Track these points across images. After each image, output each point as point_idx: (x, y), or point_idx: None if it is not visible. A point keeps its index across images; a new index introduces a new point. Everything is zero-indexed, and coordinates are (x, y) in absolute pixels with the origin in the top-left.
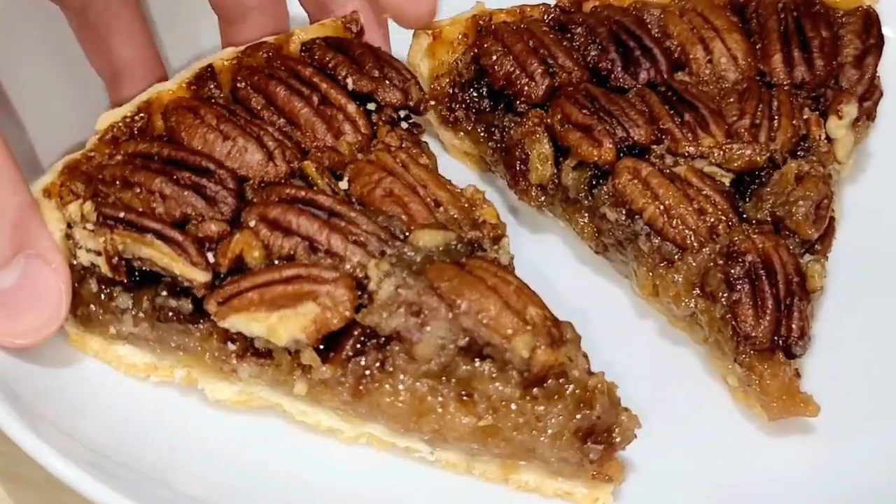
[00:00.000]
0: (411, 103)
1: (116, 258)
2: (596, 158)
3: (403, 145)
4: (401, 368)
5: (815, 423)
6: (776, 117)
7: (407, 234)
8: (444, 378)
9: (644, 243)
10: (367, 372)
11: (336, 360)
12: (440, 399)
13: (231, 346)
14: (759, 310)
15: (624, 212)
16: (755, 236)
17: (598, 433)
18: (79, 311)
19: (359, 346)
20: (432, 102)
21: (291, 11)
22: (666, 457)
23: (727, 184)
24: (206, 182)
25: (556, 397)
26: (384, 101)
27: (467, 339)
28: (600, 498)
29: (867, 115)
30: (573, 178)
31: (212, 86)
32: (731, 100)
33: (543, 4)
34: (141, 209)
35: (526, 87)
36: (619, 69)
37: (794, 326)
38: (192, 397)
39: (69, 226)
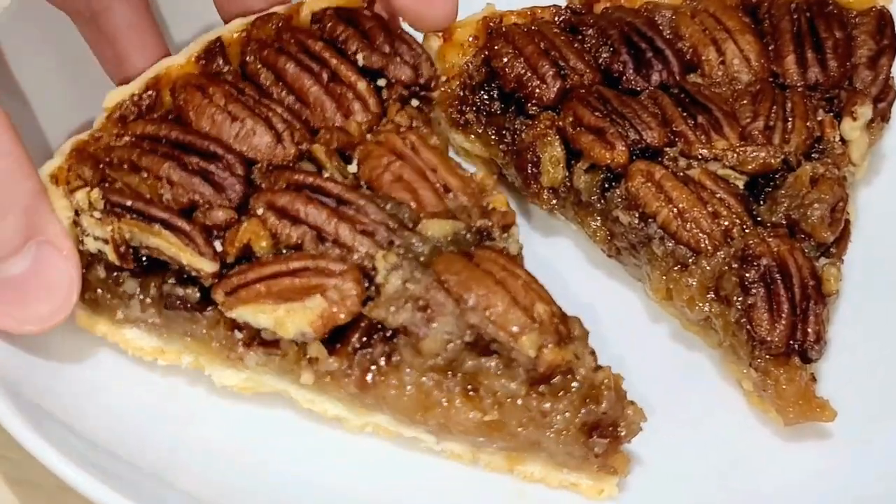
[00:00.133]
0: (422, 80)
1: (124, 246)
2: (608, 161)
3: (413, 124)
4: (407, 362)
5: (831, 428)
6: (790, 119)
7: (416, 222)
8: (449, 373)
9: (658, 247)
10: (374, 365)
11: (342, 351)
12: (446, 393)
13: (238, 335)
14: (775, 314)
15: (637, 215)
16: (770, 240)
17: (604, 427)
18: (86, 296)
19: (365, 338)
20: (443, 78)
21: None
22: (679, 459)
23: (741, 186)
24: (214, 168)
25: (561, 394)
26: (394, 78)
27: (474, 334)
28: (605, 490)
29: (882, 117)
30: (585, 180)
31: (220, 61)
32: (745, 102)
33: (554, 6)
34: (148, 195)
35: (537, 90)
36: (631, 71)
37: (809, 330)
38: (197, 389)
39: (77, 213)
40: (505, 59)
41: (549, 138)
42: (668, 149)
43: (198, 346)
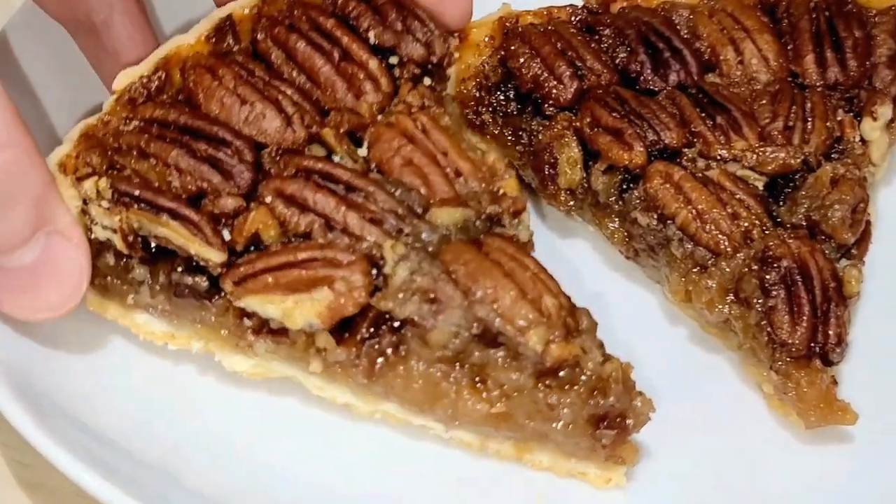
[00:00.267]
0: (434, 59)
1: (132, 236)
2: (626, 162)
3: (425, 104)
4: (415, 353)
5: (852, 432)
6: (810, 119)
7: (425, 208)
8: (457, 364)
9: (676, 248)
10: (381, 355)
11: (351, 341)
12: (453, 385)
13: (247, 322)
14: (796, 316)
15: (656, 216)
16: (790, 241)
17: (611, 419)
18: (96, 282)
19: (373, 328)
20: (456, 55)
21: None
22: (693, 457)
23: (760, 187)
24: (223, 155)
25: (568, 387)
26: (406, 57)
27: (482, 327)
28: (613, 479)
29: None
30: (603, 182)
31: (231, 39)
32: (763, 102)
33: (570, 6)
34: (157, 183)
35: (554, 90)
36: (649, 71)
37: (831, 333)
38: (207, 383)
39: (85, 202)
40: (521, 60)
41: (567, 139)
42: (686, 149)
43: (207, 332)
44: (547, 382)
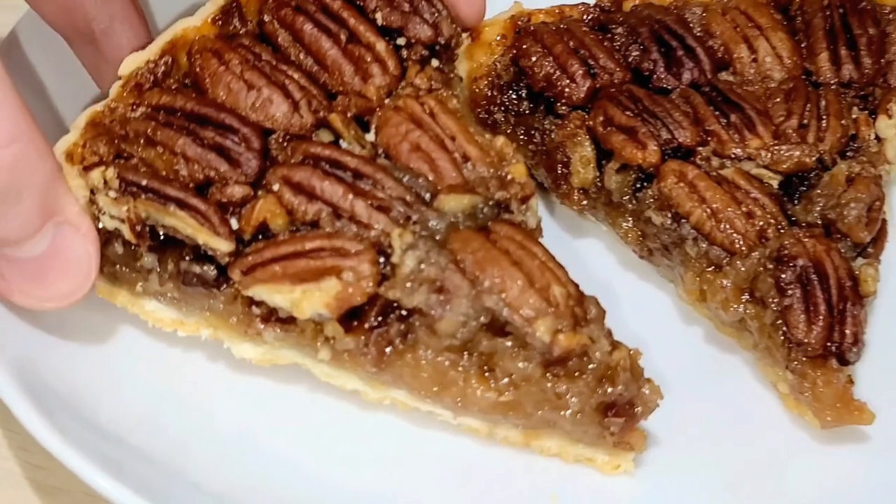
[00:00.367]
0: (442, 40)
1: (140, 225)
2: (640, 161)
3: (433, 87)
4: (423, 342)
5: (869, 431)
6: (824, 117)
7: (433, 194)
8: (465, 353)
9: (691, 248)
10: (390, 344)
11: (359, 330)
12: (462, 373)
13: (256, 311)
14: (812, 315)
15: (670, 215)
16: (806, 240)
17: (620, 406)
18: (105, 270)
19: (381, 317)
20: (464, 36)
21: None
22: (713, 461)
23: (775, 186)
24: (230, 143)
25: (577, 375)
26: (414, 38)
27: (490, 316)
28: (622, 465)
29: None
30: (616, 181)
31: (237, 21)
32: (778, 100)
33: (583, 4)
34: (164, 171)
35: (567, 89)
36: (662, 69)
37: (847, 332)
38: (213, 380)
39: (92, 192)
40: (534, 59)
41: (580, 138)
42: (700, 148)
43: (216, 320)
44: (555, 371)
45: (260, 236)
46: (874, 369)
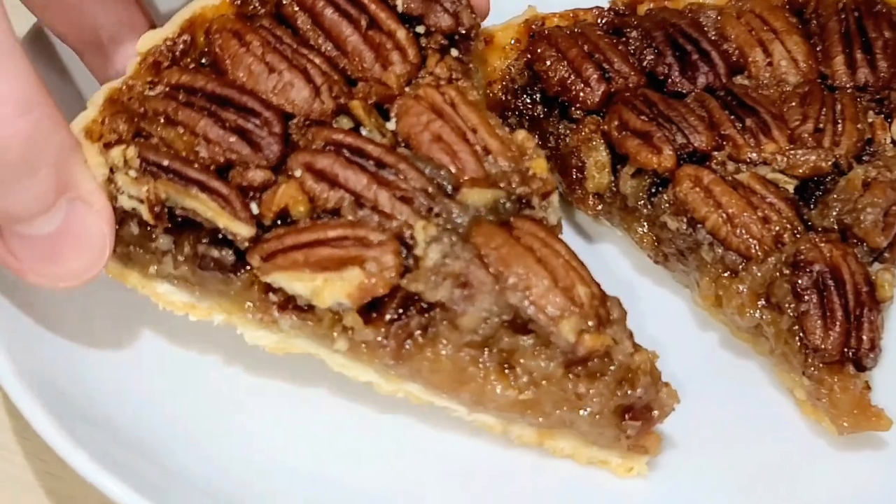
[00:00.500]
0: (462, 29)
1: (159, 206)
2: (655, 166)
3: (453, 77)
4: (443, 336)
5: (886, 437)
6: (840, 121)
7: (455, 187)
8: (485, 349)
9: (707, 253)
10: (409, 337)
11: (378, 322)
12: (481, 369)
13: (273, 297)
14: (828, 321)
15: (685, 220)
16: (822, 245)
17: (637, 409)
18: (118, 250)
19: (402, 309)
20: (487, 24)
21: None
22: (728, 468)
23: (791, 191)
24: (252, 126)
25: (598, 376)
26: (434, 27)
27: (512, 313)
28: (635, 468)
29: None
30: (632, 185)
31: (257, 2)
32: (793, 104)
33: (597, 8)
34: (184, 152)
35: (581, 93)
36: (677, 73)
37: (864, 338)
38: (230, 387)
39: (111, 170)
40: (548, 63)
41: (594, 143)
42: (715, 153)
43: (230, 305)
44: (576, 371)
45: (279, 222)
46: (891, 375)
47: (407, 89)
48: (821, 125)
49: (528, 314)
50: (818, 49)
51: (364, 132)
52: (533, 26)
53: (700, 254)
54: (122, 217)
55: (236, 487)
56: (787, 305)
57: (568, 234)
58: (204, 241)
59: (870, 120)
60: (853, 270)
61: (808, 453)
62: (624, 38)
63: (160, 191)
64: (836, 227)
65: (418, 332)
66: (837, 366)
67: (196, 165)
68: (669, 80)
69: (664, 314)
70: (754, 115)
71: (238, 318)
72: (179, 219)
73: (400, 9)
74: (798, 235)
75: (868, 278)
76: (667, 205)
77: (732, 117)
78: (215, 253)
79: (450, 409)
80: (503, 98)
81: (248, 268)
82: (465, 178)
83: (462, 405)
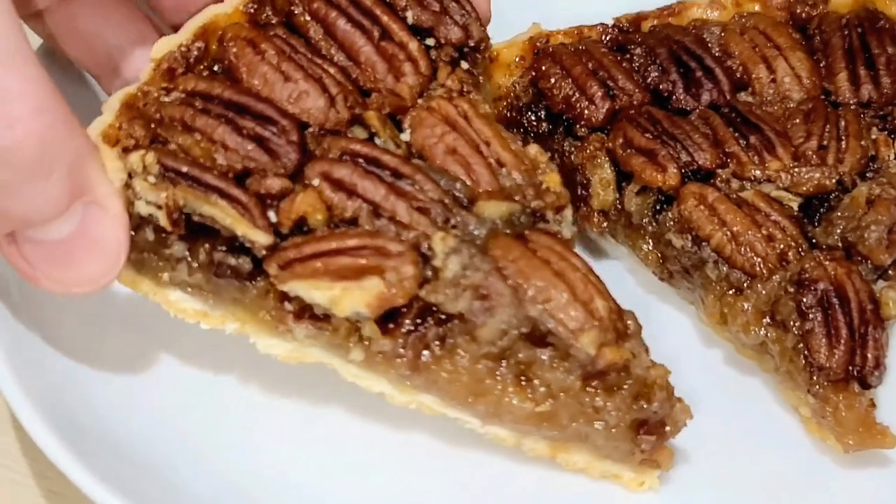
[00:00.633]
0: (472, 42)
1: (177, 213)
2: (660, 184)
3: (464, 89)
4: (461, 347)
5: (891, 455)
6: (843, 138)
7: (471, 199)
8: (503, 360)
9: (711, 271)
10: (427, 348)
11: (396, 332)
12: (499, 381)
13: (288, 306)
14: (833, 339)
15: (690, 238)
16: (827, 263)
17: (652, 424)
18: (132, 257)
19: (419, 320)
20: (491, 41)
21: None
22: (736, 485)
23: (795, 208)
24: (270, 134)
25: (615, 389)
26: (444, 39)
27: (531, 325)
28: (647, 482)
29: None
30: (636, 203)
31: (269, 11)
32: (797, 121)
33: (601, 24)
34: (201, 159)
35: (586, 111)
36: (681, 90)
37: (869, 356)
38: (243, 410)
39: (129, 176)
40: (553, 80)
41: (599, 160)
42: (720, 170)
43: (245, 314)
44: (594, 384)
45: (296, 232)
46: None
47: (419, 101)
48: (824, 142)
49: (548, 327)
50: (822, 65)
51: (378, 143)
52: (538, 44)
53: (705, 271)
54: (138, 223)
55: None
56: (791, 323)
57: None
58: (220, 248)
59: (873, 136)
60: (858, 288)
61: (814, 471)
62: (628, 55)
63: (179, 197)
64: (840, 244)
65: (435, 343)
66: (842, 384)
67: (215, 172)
68: (674, 97)
69: (670, 331)
70: (758, 132)
71: (252, 326)
72: (196, 225)
73: (410, 21)
74: (802, 253)
75: (872, 296)
76: (671, 222)
77: (737, 135)
78: (232, 261)
79: (462, 421)
80: (508, 115)
81: (265, 276)
82: (480, 190)
83: (476, 417)
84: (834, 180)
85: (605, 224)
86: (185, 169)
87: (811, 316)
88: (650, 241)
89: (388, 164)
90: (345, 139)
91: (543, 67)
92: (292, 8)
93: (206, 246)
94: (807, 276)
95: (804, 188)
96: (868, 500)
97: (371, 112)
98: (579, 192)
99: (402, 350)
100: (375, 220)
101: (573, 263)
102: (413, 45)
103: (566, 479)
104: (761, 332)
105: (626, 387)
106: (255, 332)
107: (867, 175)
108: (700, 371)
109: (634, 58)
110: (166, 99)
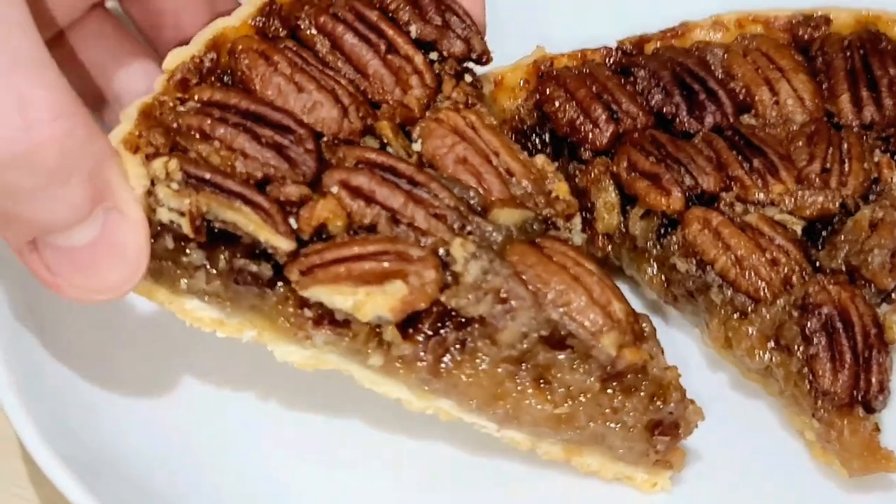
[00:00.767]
0: (474, 55)
1: (200, 220)
2: (664, 208)
3: (469, 101)
4: (481, 351)
5: None
6: (846, 161)
7: (485, 207)
8: (522, 364)
9: (716, 295)
10: (447, 352)
11: (416, 337)
12: (518, 384)
13: (307, 312)
14: (837, 364)
15: (694, 262)
16: (830, 287)
17: (666, 425)
18: (150, 265)
19: (439, 324)
20: (492, 53)
21: None
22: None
23: (799, 232)
24: (288, 142)
25: (633, 390)
26: (447, 52)
27: (550, 328)
28: (659, 483)
29: None
30: (641, 227)
31: (278, 24)
32: (800, 143)
33: (605, 47)
34: (222, 166)
35: (590, 134)
36: (684, 113)
37: (873, 380)
38: (250, 432)
39: (152, 182)
40: (557, 104)
41: (604, 183)
42: (723, 194)
43: (263, 321)
44: (612, 385)
45: (315, 239)
46: None
47: (427, 113)
48: (828, 165)
49: (568, 329)
50: (824, 87)
51: (390, 152)
52: (542, 67)
53: (709, 295)
54: (157, 231)
55: None
56: (796, 348)
57: None
58: (240, 255)
59: (876, 159)
60: (861, 312)
61: (819, 495)
62: (632, 78)
63: (202, 203)
64: (844, 268)
65: (455, 347)
66: (847, 408)
67: (237, 179)
68: (677, 119)
69: (674, 354)
70: (762, 155)
71: (269, 333)
72: (216, 232)
73: (414, 35)
74: (806, 277)
75: (876, 320)
76: (676, 246)
77: (740, 158)
78: (253, 267)
79: (478, 426)
80: (512, 138)
81: (285, 283)
82: (493, 198)
83: (494, 421)
84: (837, 203)
85: (609, 247)
86: (208, 176)
87: (815, 340)
88: (654, 264)
89: (404, 173)
90: (360, 148)
91: (547, 91)
92: (298, 22)
93: (226, 253)
94: (811, 300)
95: (807, 212)
96: None
97: (383, 122)
98: (584, 215)
99: (422, 354)
100: (394, 226)
101: (588, 268)
102: (419, 59)
103: (578, 481)
104: (766, 357)
105: (643, 388)
106: (272, 340)
107: (870, 198)
108: (705, 394)
109: (638, 80)
110: (182, 108)
